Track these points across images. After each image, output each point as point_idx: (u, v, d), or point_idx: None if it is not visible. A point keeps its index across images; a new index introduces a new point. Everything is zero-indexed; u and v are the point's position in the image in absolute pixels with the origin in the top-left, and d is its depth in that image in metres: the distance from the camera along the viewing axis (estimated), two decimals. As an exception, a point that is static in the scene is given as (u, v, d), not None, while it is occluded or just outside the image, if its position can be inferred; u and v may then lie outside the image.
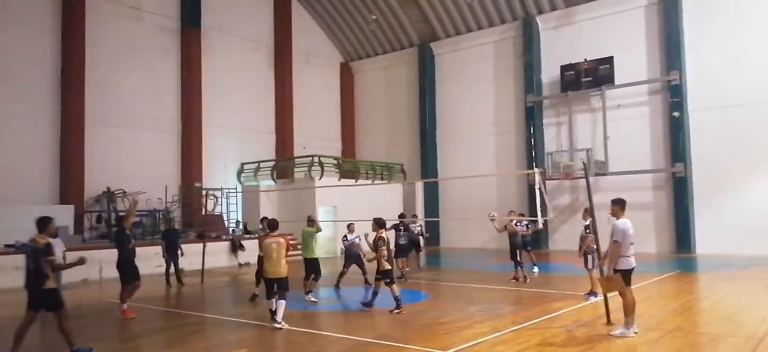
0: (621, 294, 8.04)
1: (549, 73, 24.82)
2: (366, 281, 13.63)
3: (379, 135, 31.09)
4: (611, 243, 8.08)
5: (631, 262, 8.07)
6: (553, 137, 24.75)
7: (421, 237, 17.32)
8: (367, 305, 10.71)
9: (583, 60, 23.05)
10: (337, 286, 13.67)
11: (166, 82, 24.06)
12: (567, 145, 23.94)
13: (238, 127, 26.42)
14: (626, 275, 8.03)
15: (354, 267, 13.65)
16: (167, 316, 11.22)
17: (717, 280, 14.07)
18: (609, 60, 22.54)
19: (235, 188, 24.39)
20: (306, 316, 10.24)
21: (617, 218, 8.17)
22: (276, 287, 9.18)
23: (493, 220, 14.01)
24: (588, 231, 10.92)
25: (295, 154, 27.10)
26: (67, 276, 15.07)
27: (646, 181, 22.22)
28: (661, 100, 22.16)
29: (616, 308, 8.57)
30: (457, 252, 24.40)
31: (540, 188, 10.79)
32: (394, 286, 10.43)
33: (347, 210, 19.75)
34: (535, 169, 11.65)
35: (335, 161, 25.36)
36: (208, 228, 21.01)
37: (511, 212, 15.24)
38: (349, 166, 26.59)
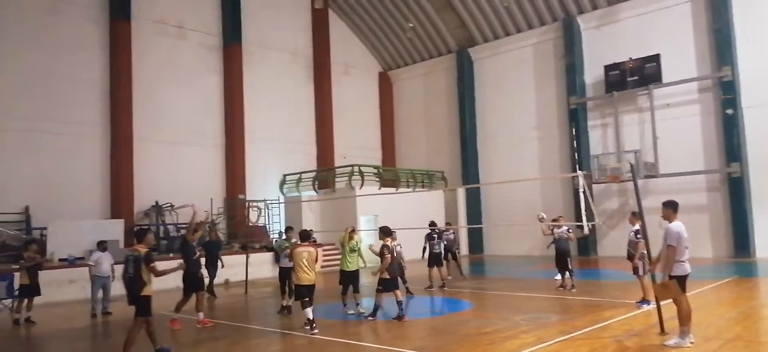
0: (676, 302, 7.64)
1: (592, 73, 24.15)
2: (407, 291, 13.48)
3: (419, 143, 30.94)
4: (665, 247, 7.69)
5: (686, 267, 7.66)
6: (598, 140, 24.03)
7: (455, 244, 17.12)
8: (371, 316, 10.58)
9: (628, 59, 22.32)
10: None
11: (209, 98, 24.63)
12: (614, 147, 23.19)
13: (279, 140, 26.78)
14: (681, 281, 7.62)
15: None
16: (212, 328, 11.33)
17: (780, 285, 13.27)
18: (655, 58, 21.75)
19: (278, 199, 24.70)
20: (345, 326, 10.16)
21: (670, 222, 7.78)
22: (305, 293, 9.56)
23: (542, 221, 13.65)
24: (638, 236, 10.48)
25: (336, 164, 27.24)
26: (119, 288, 15.55)
27: (699, 182, 21.28)
28: (712, 97, 21.21)
29: (670, 317, 8.16)
30: (502, 260, 23.93)
31: (584, 192, 10.41)
32: (398, 291, 10.55)
33: (389, 219, 19.43)
34: (579, 172, 11.25)
35: (375, 170, 25.34)
36: (251, 240, 21.33)
37: (560, 217, 14.76)
38: (389, 175, 26.53)
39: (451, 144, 29.23)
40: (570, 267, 13.37)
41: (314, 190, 24.90)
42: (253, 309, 13.67)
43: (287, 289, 11.87)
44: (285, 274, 11.98)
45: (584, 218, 10.95)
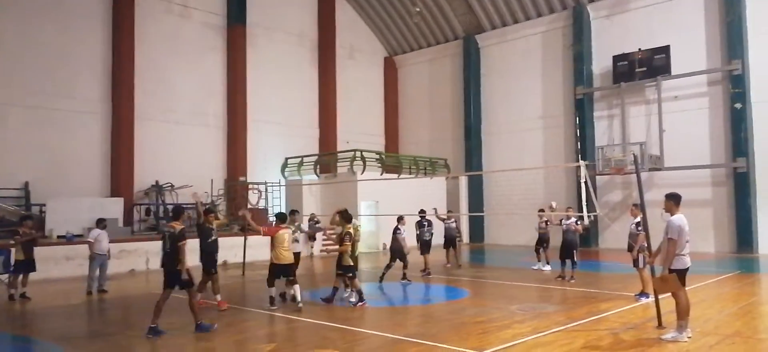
0: (674, 295, 7.48)
1: (600, 63, 23.83)
2: (404, 277, 13.42)
3: (422, 129, 30.72)
4: (665, 240, 7.52)
5: (686, 261, 7.49)
6: (604, 131, 23.76)
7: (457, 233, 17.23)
8: (327, 300, 10.50)
9: (637, 49, 21.99)
10: (381, 280, 13.48)
11: (212, 78, 24.45)
12: (619, 138, 22.92)
13: (282, 122, 26.62)
14: (681, 275, 7.45)
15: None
16: (205, 308, 11.25)
17: (783, 282, 13.08)
18: (665, 49, 21.41)
19: (279, 182, 24.58)
20: (341, 311, 10.05)
21: (672, 214, 7.60)
22: (285, 272, 10.04)
23: (553, 210, 13.60)
24: (639, 228, 10.32)
25: (339, 148, 27.08)
26: (116, 267, 15.56)
27: (704, 176, 21.02)
28: (721, 91, 20.89)
29: (668, 311, 8.01)
30: (502, 249, 23.79)
31: (586, 182, 10.23)
32: (356, 280, 10.44)
33: (389, 205, 19.51)
34: (581, 162, 11.05)
35: (378, 156, 25.17)
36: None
37: (569, 208, 14.66)
38: (391, 161, 26.35)
39: (454, 131, 29.01)
40: (575, 259, 13.26)
41: (315, 174, 24.77)
42: (250, 291, 13.59)
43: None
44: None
45: (585, 208, 10.77)
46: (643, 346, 7.17)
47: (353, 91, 29.84)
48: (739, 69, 20.12)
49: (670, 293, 7.60)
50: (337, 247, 10.62)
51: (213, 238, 10.74)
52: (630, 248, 10.95)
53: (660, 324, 8.06)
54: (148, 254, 17.08)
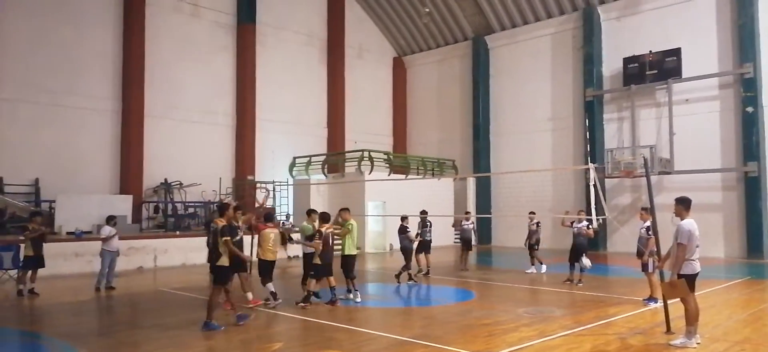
0: (683, 301, 7.40)
1: (610, 66, 23.68)
2: (409, 278, 13.54)
3: (431, 130, 30.67)
4: (675, 245, 7.44)
5: (695, 266, 7.41)
6: (613, 133, 23.61)
7: (473, 234, 17.10)
8: (303, 302, 10.32)
9: (648, 52, 21.83)
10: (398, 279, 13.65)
11: (221, 77, 24.54)
12: (629, 141, 22.76)
13: (291, 122, 26.67)
14: (690, 280, 7.37)
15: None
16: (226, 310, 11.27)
17: (794, 289, 12.93)
18: (676, 52, 21.24)
19: (287, 182, 24.63)
20: (348, 312, 10.05)
21: (682, 219, 7.52)
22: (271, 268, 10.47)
23: (567, 213, 13.62)
24: (649, 232, 10.23)
25: (347, 148, 27.09)
26: (124, 264, 15.64)
27: (715, 180, 20.83)
28: (733, 94, 20.69)
29: (677, 316, 7.93)
30: (510, 251, 23.69)
31: (595, 185, 10.14)
32: (331, 278, 10.41)
33: (397, 205, 19.48)
34: (590, 165, 10.96)
35: (386, 156, 25.16)
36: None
37: (581, 211, 14.58)
38: (399, 162, 26.33)
39: (463, 132, 28.94)
40: (584, 263, 13.21)
41: (323, 173, 24.79)
42: (258, 290, 13.60)
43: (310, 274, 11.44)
44: (309, 259, 11.00)
45: (593, 211, 10.69)
46: (652, 351, 7.10)
47: (362, 91, 29.85)
48: (750, 72, 19.92)
49: (678, 299, 7.53)
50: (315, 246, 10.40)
51: (239, 236, 10.59)
52: (639, 253, 10.85)
53: (669, 330, 7.98)
54: (157, 251, 17.19)
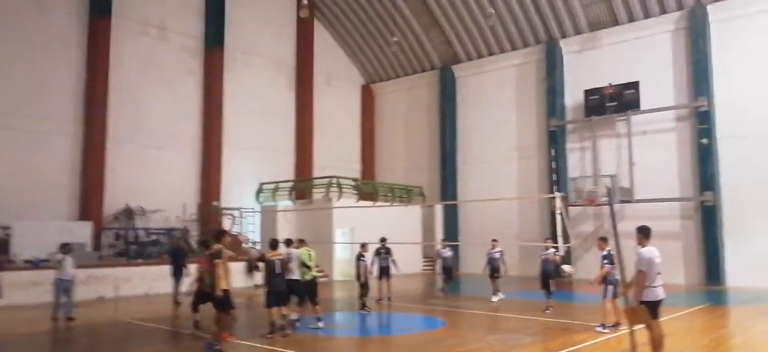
0: (647, 327, 7.58)
1: (573, 97, 24.39)
2: (363, 306, 13.52)
3: (399, 157, 30.87)
4: (636, 272, 7.64)
5: (658, 293, 7.60)
6: (576, 162, 24.22)
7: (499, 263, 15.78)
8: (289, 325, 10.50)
9: (608, 84, 22.61)
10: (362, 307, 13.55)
11: (188, 102, 24.23)
12: (591, 170, 23.37)
13: (258, 148, 26.45)
14: (653, 307, 7.56)
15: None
16: (176, 337, 11.00)
17: (749, 314, 13.38)
18: (634, 85, 22.04)
19: (253, 208, 24.33)
20: (316, 341, 9.92)
21: (642, 246, 7.75)
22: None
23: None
24: (605, 261, 10.51)
25: (315, 175, 27.00)
26: (84, 293, 15.10)
27: (673, 209, 21.53)
28: (688, 126, 21.55)
29: (643, 342, 8.09)
30: (477, 278, 23.83)
31: (561, 214, 10.40)
32: (283, 307, 10.31)
33: (365, 232, 19.41)
34: (557, 194, 11.25)
35: (354, 183, 25.16)
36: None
37: (547, 239, 14.80)
38: (367, 189, 26.35)
39: (430, 160, 29.22)
40: (550, 289, 13.45)
41: (290, 200, 24.61)
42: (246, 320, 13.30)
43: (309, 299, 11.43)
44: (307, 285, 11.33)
45: (560, 240, 10.92)
46: (619, 378, 7.24)
47: (330, 117, 29.90)
48: (705, 105, 20.80)
49: (642, 325, 7.70)
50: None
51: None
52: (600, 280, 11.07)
53: (634, 356, 8.13)
54: (118, 280, 16.65)
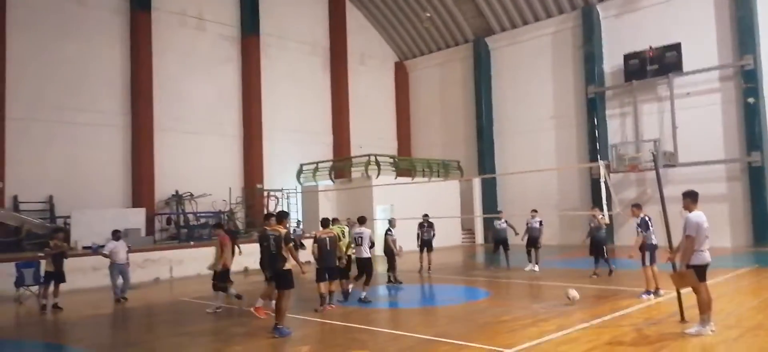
0: (695, 291, 7.64)
1: (611, 62, 23.94)
2: (395, 280, 13.90)
3: (435, 132, 30.94)
4: (684, 237, 7.68)
5: (705, 257, 7.64)
6: (616, 129, 23.86)
7: (506, 232, 16.53)
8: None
9: (648, 47, 22.10)
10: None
11: (227, 89, 24.86)
12: (632, 136, 23.01)
13: (296, 130, 26.96)
14: (700, 270, 7.61)
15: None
16: (233, 314, 11.52)
17: (802, 275, 13.15)
18: (676, 46, 21.50)
19: (295, 189, 24.89)
20: (366, 314, 10.29)
21: (690, 211, 7.76)
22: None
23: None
24: (639, 228, 10.58)
25: (352, 154, 27.36)
26: (141, 276, 15.91)
27: (719, 172, 21.07)
28: (733, 86, 20.95)
29: (690, 305, 8.15)
30: (518, 249, 23.84)
31: (606, 181, 10.40)
32: (322, 284, 10.60)
33: (405, 208, 19.73)
34: (600, 162, 11.23)
35: (391, 160, 25.41)
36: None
37: (594, 208, 14.88)
38: (405, 165, 26.58)
39: (467, 134, 29.20)
40: (606, 256, 13.74)
41: (331, 179, 25.06)
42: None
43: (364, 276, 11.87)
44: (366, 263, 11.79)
45: (605, 207, 10.94)
46: (667, 340, 7.33)
47: (365, 96, 30.14)
48: (751, 64, 20.17)
49: (690, 288, 7.76)
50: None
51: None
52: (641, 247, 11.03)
53: (683, 319, 8.21)
54: (171, 262, 17.42)
